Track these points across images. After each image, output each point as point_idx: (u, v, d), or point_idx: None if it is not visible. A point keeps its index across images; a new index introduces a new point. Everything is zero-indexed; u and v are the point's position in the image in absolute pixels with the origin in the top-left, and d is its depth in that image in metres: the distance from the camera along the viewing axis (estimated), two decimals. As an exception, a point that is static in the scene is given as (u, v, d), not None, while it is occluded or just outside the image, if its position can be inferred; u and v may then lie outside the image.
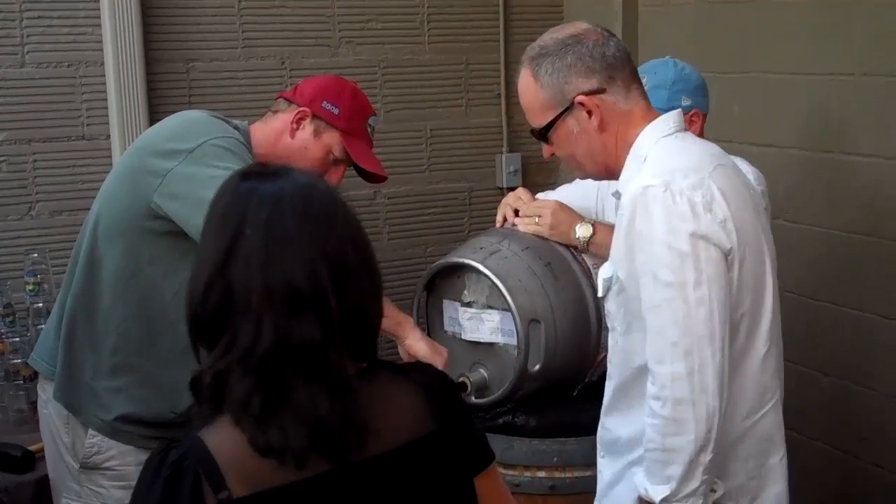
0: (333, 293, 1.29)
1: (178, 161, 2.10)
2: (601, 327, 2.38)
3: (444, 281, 2.49)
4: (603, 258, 2.17)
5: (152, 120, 3.15)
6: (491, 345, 2.41)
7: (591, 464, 2.19)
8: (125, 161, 2.27)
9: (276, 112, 2.37)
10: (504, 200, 2.56)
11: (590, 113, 1.86)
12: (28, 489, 2.57)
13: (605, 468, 2.01)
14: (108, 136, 3.26)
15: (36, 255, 3.09)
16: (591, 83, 1.86)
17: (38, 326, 2.86)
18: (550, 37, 1.90)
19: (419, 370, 1.48)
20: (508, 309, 2.32)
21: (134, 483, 1.32)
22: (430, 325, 2.52)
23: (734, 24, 3.27)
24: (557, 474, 2.32)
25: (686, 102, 2.36)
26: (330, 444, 1.28)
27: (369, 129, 2.42)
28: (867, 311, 2.93)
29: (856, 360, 2.99)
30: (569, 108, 1.87)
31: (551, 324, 2.33)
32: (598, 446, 2.03)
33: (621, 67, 1.87)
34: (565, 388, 2.46)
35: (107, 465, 2.21)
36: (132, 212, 2.14)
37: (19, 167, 3.21)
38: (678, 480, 1.74)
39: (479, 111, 3.88)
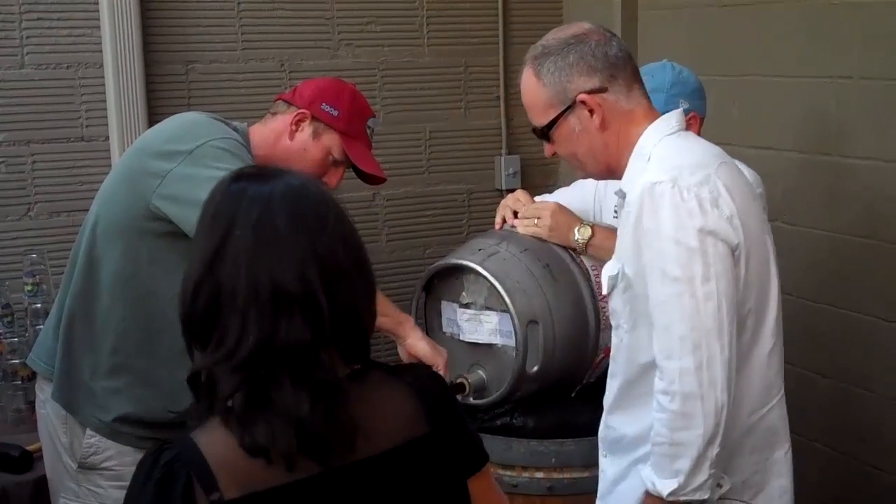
0: (324, 294, 1.29)
1: (177, 162, 2.10)
2: (599, 329, 2.39)
3: (443, 282, 2.49)
4: (602, 260, 2.17)
5: (151, 121, 3.15)
6: (489, 346, 2.41)
7: (589, 465, 2.20)
8: (124, 162, 2.27)
9: (275, 114, 2.37)
10: (503, 202, 2.56)
11: (591, 112, 1.87)
12: (26, 489, 2.57)
13: (609, 467, 2.01)
14: (107, 138, 3.26)
15: (34, 255, 3.09)
16: (593, 82, 1.86)
17: (37, 327, 2.86)
18: (553, 36, 1.91)
19: (413, 372, 1.47)
20: (507, 310, 2.32)
21: (132, 484, 1.32)
22: (429, 327, 2.52)
23: (733, 27, 3.27)
24: (555, 475, 2.32)
25: (683, 106, 2.36)
26: (315, 446, 1.28)
27: (368, 131, 2.42)
28: (866, 313, 2.94)
29: (855, 362, 2.99)
30: (571, 107, 1.88)
31: (550, 325, 2.33)
32: (601, 445, 2.03)
33: (623, 67, 1.88)
34: (563, 390, 2.46)
35: (105, 465, 2.21)
36: (131, 212, 2.14)
37: (18, 168, 3.22)
38: (686, 474, 1.74)
39: (479, 113, 3.88)
